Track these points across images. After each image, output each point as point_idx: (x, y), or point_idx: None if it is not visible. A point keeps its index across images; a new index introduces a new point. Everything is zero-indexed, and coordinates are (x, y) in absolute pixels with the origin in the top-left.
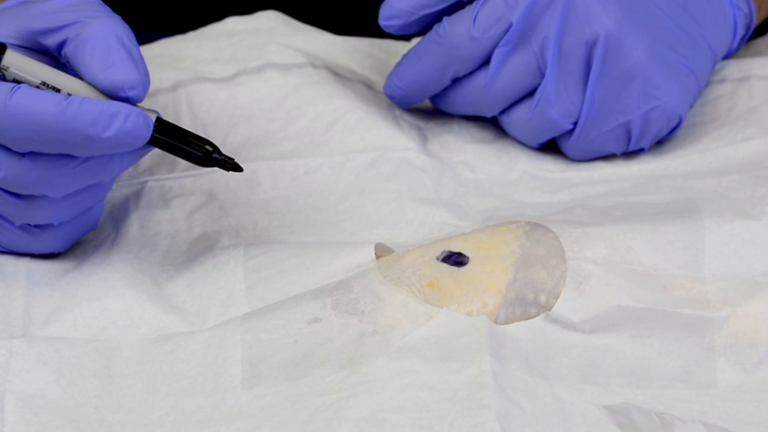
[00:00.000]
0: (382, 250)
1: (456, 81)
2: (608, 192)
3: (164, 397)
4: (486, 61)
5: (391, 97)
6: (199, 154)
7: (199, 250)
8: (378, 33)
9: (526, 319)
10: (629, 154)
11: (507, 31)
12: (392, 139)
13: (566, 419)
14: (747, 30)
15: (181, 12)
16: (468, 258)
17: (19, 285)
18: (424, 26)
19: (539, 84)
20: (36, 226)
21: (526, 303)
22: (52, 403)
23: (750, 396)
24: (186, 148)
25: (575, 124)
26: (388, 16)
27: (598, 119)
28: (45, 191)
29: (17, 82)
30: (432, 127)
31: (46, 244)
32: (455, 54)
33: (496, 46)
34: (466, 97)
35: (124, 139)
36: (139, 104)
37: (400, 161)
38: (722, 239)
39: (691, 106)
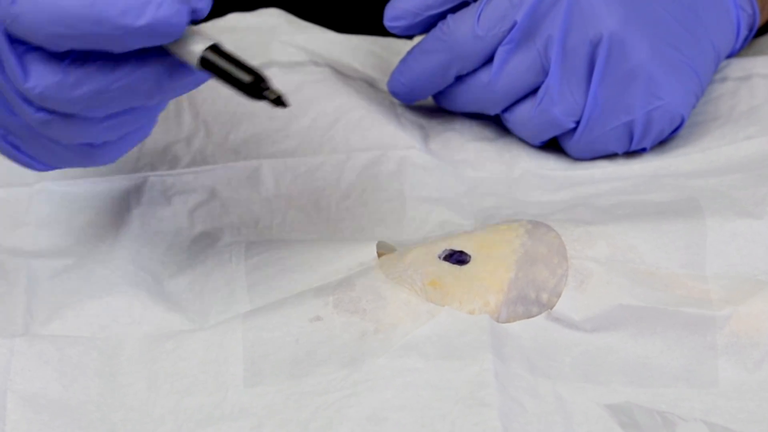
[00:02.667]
0: (383, 249)
1: (459, 78)
2: (610, 191)
3: (166, 396)
4: (489, 59)
5: (394, 94)
6: (246, 81)
7: (200, 247)
8: (380, 31)
9: (528, 317)
10: (631, 153)
11: (511, 29)
12: (394, 138)
13: (568, 418)
14: (750, 30)
15: None
16: (470, 256)
17: (20, 282)
18: (428, 27)
19: (542, 82)
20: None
21: (528, 301)
22: (54, 402)
23: (752, 395)
24: (235, 75)
25: (578, 122)
26: (393, 16)
27: (600, 118)
28: (85, 109)
29: None
30: (434, 125)
31: (101, 156)
32: (459, 52)
33: (499, 44)
34: (469, 95)
35: (158, 27)
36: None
37: (401, 160)
38: (724, 238)
39: (694, 106)
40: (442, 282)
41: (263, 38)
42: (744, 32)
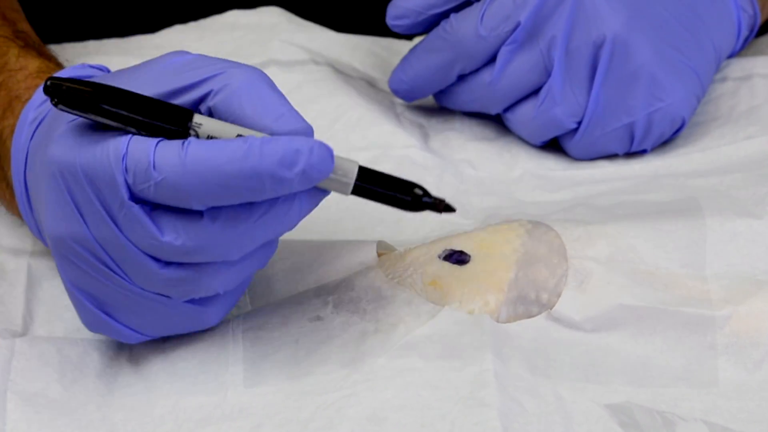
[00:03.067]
0: (383, 248)
1: (461, 78)
2: (610, 191)
3: (166, 396)
4: (492, 59)
5: (395, 92)
6: (407, 199)
7: None
8: (381, 31)
9: (528, 317)
10: (631, 153)
11: (514, 29)
12: (394, 137)
13: (568, 418)
14: (751, 31)
15: (182, 3)
16: (470, 256)
17: (20, 283)
18: (431, 26)
19: (544, 83)
20: (201, 300)
21: (528, 301)
22: (54, 402)
23: (752, 395)
24: (391, 193)
25: (579, 123)
26: (395, 15)
27: (602, 119)
28: (224, 253)
29: None
30: (434, 125)
31: (210, 317)
32: (462, 51)
33: (502, 44)
34: (470, 94)
35: (311, 173)
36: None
37: (401, 159)
38: (724, 238)
39: (695, 108)
40: (442, 282)
41: (263, 36)
42: (745, 33)
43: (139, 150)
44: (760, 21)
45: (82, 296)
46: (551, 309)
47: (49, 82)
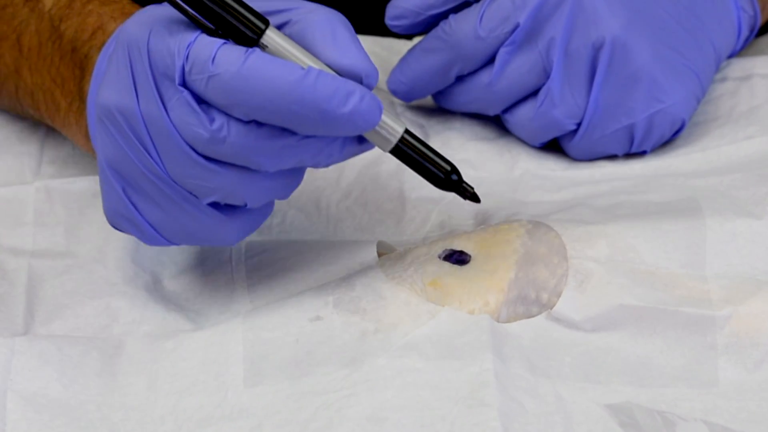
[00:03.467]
0: (384, 249)
1: (460, 78)
2: (610, 191)
3: (166, 396)
4: (491, 60)
5: (394, 92)
6: (439, 174)
7: (200, 247)
8: (380, 31)
9: (528, 317)
10: (631, 153)
11: (513, 31)
12: None
13: (568, 418)
14: (751, 31)
15: None
16: (470, 256)
17: (20, 282)
18: (430, 26)
19: (543, 84)
20: (226, 208)
21: (528, 301)
22: (54, 402)
23: (752, 395)
24: (427, 164)
25: (579, 124)
26: (394, 15)
27: (601, 121)
28: (263, 161)
29: None
30: (434, 125)
31: (227, 231)
32: (460, 52)
33: (501, 45)
34: (469, 95)
35: (356, 119)
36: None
37: None
38: (724, 238)
39: (695, 109)
40: (443, 282)
41: None
42: (745, 33)
43: (205, 44)
44: (760, 21)
45: (113, 177)
46: (551, 309)
47: None
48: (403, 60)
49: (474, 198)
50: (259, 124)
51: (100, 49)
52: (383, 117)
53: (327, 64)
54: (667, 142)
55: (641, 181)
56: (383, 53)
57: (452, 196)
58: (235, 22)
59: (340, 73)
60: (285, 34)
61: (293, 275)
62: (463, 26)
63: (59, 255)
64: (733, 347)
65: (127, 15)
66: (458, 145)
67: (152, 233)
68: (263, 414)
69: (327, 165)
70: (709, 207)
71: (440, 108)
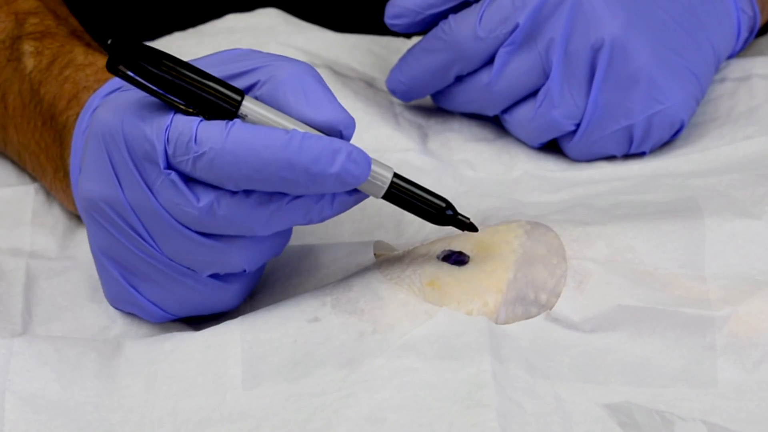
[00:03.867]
0: (382, 249)
1: (459, 79)
2: (609, 191)
3: (164, 398)
4: (490, 60)
5: (393, 92)
6: (432, 211)
7: None
8: (379, 30)
9: (527, 318)
10: (630, 154)
11: (513, 31)
12: (391, 140)
13: (567, 418)
14: (750, 33)
15: (181, 8)
16: (468, 257)
17: (19, 283)
18: (429, 25)
19: (542, 85)
20: (223, 277)
21: (527, 302)
22: (52, 403)
23: (751, 395)
24: (420, 204)
25: (578, 125)
26: (394, 14)
27: (601, 122)
28: (256, 228)
29: None
30: (433, 125)
31: (229, 298)
32: (460, 52)
33: (501, 45)
34: (468, 95)
35: (345, 176)
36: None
37: (399, 162)
38: (723, 238)
39: (694, 110)
40: (441, 282)
41: (260, 39)
42: (744, 34)
43: (183, 123)
44: (759, 23)
45: (109, 264)
46: (550, 309)
47: (111, 40)
48: (403, 59)
49: (471, 228)
50: (247, 192)
51: (75, 119)
52: (372, 167)
53: (305, 123)
54: (666, 142)
55: (640, 182)
56: (382, 52)
57: (450, 197)
58: (211, 98)
59: (318, 128)
60: (257, 96)
61: (291, 279)
62: (462, 26)
63: (57, 256)
64: (731, 347)
65: (101, 81)
66: (457, 145)
67: (156, 311)
68: (262, 415)
69: (320, 221)
70: (708, 207)
71: (439, 108)
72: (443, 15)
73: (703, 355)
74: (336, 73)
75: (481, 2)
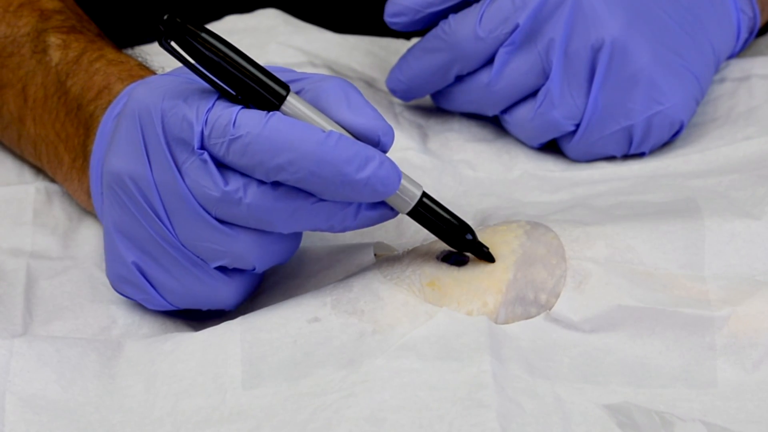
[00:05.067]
0: (382, 250)
1: (459, 78)
2: (608, 191)
3: (164, 398)
4: (490, 60)
5: (392, 92)
6: (452, 234)
7: None
8: (378, 31)
9: (527, 318)
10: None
11: (513, 31)
12: None
13: (566, 418)
14: (750, 33)
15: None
16: (468, 257)
17: (19, 283)
18: (429, 24)
19: (542, 85)
20: (229, 272)
21: (527, 302)
22: (53, 403)
23: (750, 395)
24: (443, 227)
25: (577, 125)
26: (393, 13)
27: (600, 122)
28: (277, 223)
29: None
30: (432, 125)
31: (231, 295)
32: (460, 52)
33: (501, 45)
34: (468, 95)
35: (374, 184)
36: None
37: (399, 161)
38: (722, 238)
39: (694, 111)
40: (441, 283)
41: (260, 40)
42: (744, 35)
43: (225, 108)
44: (759, 23)
45: (121, 242)
46: (550, 310)
47: (167, 16)
48: (403, 59)
49: (489, 258)
50: (275, 186)
51: (105, 109)
52: (402, 181)
53: (344, 126)
54: (666, 143)
55: (640, 182)
56: (381, 53)
57: (450, 197)
58: (257, 87)
59: (356, 133)
60: (302, 99)
61: (291, 276)
62: (462, 26)
63: (58, 256)
64: (731, 347)
65: (134, 77)
66: (457, 145)
67: (157, 297)
68: (262, 416)
69: (341, 230)
70: (708, 207)
71: (439, 109)
72: (443, 14)
73: (702, 356)
74: (336, 73)
75: (481, 2)
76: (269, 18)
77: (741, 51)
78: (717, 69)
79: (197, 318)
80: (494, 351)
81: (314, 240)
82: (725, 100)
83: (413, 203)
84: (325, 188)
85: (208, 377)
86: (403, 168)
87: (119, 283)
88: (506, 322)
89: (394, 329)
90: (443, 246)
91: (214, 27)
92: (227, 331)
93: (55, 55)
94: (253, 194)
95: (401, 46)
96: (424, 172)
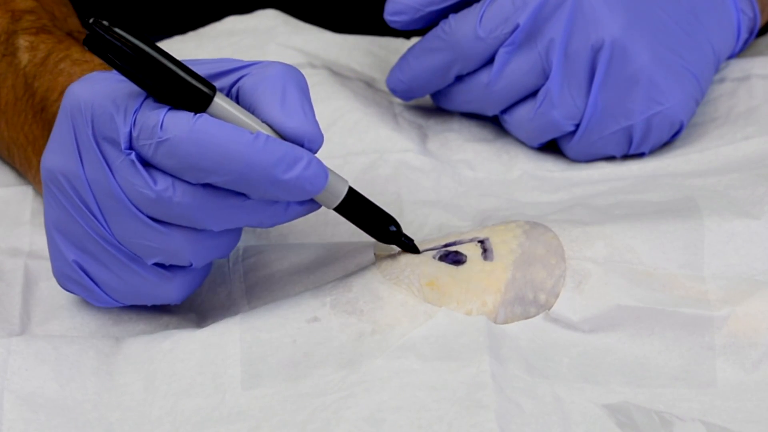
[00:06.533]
0: (381, 250)
1: (459, 78)
2: (608, 191)
3: (164, 397)
4: (490, 60)
5: (393, 91)
6: (378, 228)
7: None
8: (378, 31)
9: (526, 318)
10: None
11: (513, 31)
12: (390, 141)
13: (566, 418)
14: (750, 34)
15: (181, 12)
16: (466, 256)
17: (17, 282)
18: (429, 22)
19: (542, 85)
20: (168, 268)
21: (526, 302)
22: (51, 401)
23: (749, 395)
24: (368, 221)
25: (577, 126)
26: (393, 11)
27: (600, 122)
28: (208, 222)
29: None
30: (432, 125)
31: (172, 290)
32: (460, 52)
33: (501, 45)
34: (468, 95)
35: (302, 184)
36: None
37: (398, 163)
38: (722, 238)
39: (694, 111)
40: (440, 283)
41: (260, 40)
42: (744, 35)
43: (152, 109)
44: (760, 23)
45: (60, 240)
46: (549, 310)
47: (92, 19)
48: (403, 59)
49: (414, 249)
50: (204, 185)
51: None
52: (329, 178)
53: (272, 127)
54: (666, 143)
55: (639, 182)
56: (381, 53)
57: (449, 198)
58: (182, 89)
59: (285, 135)
60: (234, 92)
61: (290, 276)
62: (462, 26)
63: None
64: (731, 347)
65: None
66: (457, 145)
67: (100, 294)
68: (261, 416)
69: (271, 225)
70: (707, 207)
71: (439, 108)
72: (443, 13)
73: (702, 355)
74: (335, 73)
75: (481, 2)
76: (269, 19)
77: (741, 51)
78: (717, 69)
79: (197, 318)
80: (493, 351)
81: (313, 239)
82: (725, 100)
83: (339, 200)
84: (253, 189)
85: (207, 377)
86: (401, 171)
87: (64, 281)
88: (505, 322)
89: (393, 329)
90: (439, 245)
91: (214, 28)
92: (226, 331)
93: (23, 58)
94: (182, 194)
95: (401, 45)
96: (424, 172)
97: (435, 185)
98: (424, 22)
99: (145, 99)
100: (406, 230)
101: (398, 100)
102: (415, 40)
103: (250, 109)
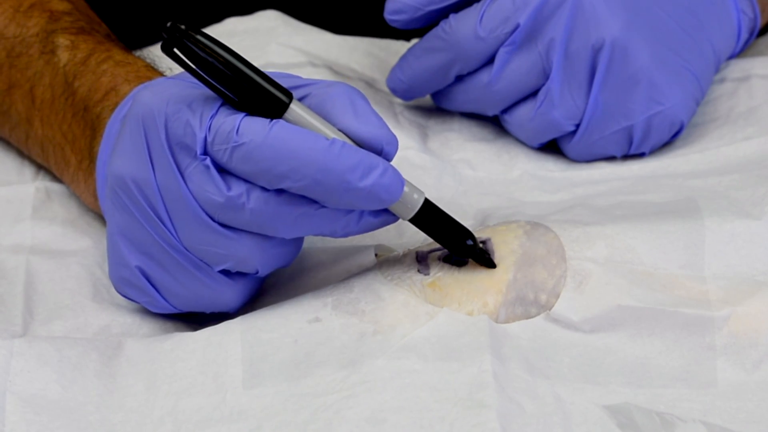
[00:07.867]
0: (382, 251)
1: (459, 78)
2: (608, 191)
3: (165, 397)
4: (490, 60)
5: (393, 91)
6: (454, 240)
7: None
8: (378, 32)
9: (527, 318)
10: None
11: (513, 31)
12: None
13: (567, 419)
14: (751, 34)
15: (181, 13)
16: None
17: (19, 282)
18: (429, 22)
19: (542, 85)
20: (232, 275)
21: (527, 302)
22: (53, 403)
23: (750, 395)
24: (444, 233)
25: (577, 126)
26: (393, 10)
27: (600, 122)
28: (280, 228)
29: None
30: (433, 125)
31: (234, 297)
32: (460, 52)
33: (501, 45)
34: (468, 95)
35: (377, 192)
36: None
37: (400, 161)
38: (722, 238)
39: (694, 111)
40: (441, 283)
41: (260, 41)
42: (744, 35)
43: (228, 115)
44: (760, 24)
45: (124, 246)
46: (550, 310)
47: (170, 23)
48: (403, 59)
49: (489, 263)
50: (278, 192)
51: (112, 110)
52: (405, 188)
53: (347, 134)
54: (666, 143)
55: (639, 182)
56: (381, 54)
57: (450, 197)
58: (261, 95)
59: (360, 142)
60: (306, 104)
61: (292, 276)
62: (463, 26)
63: (58, 252)
64: (731, 348)
65: (141, 78)
66: (457, 145)
67: (160, 300)
68: (262, 416)
69: (343, 236)
70: (708, 207)
71: (439, 108)
72: (443, 13)
73: (702, 356)
74: (336, 73)
75: (481, 2)
76: (269, 19)
77: (741, 51)
78: (717, 69)
79: (198, 318)
80: (495, 350)
81: (315, 241)
82: (725, 100)
83: (415, 210)
84: (328, 196)
85: (208, 376)
86: (403, 168)
87: (122, 286)
88: (506, 323)
89: (394, 330)
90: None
91: (214, 29)
92: (228, 331)
93: (63, 56)
94: (255, 200)
95: (401, 47)
96: (425, 170)
97: (436, 183)
98: (424, 21)
99: (221, 105)
100: (407, 230)
101: (399, 100)
102: (415, 41)
103: (324, 118)
